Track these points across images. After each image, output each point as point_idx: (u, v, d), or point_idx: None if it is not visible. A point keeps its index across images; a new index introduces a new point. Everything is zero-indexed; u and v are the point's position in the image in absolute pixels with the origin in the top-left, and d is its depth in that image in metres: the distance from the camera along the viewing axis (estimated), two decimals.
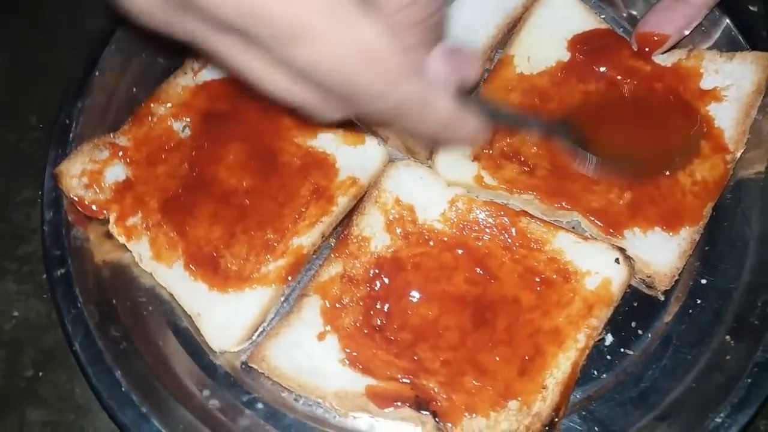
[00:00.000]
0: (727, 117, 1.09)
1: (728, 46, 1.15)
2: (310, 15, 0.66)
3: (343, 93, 0.74)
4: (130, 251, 1.02)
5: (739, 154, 1.07)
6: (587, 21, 1.18)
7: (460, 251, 1.01)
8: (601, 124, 1.04)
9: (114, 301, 1.00)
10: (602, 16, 1.21)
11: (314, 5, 0.66)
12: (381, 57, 0.71)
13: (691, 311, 1.01)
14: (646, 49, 1.12)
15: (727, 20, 1.16)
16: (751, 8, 1.18)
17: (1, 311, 1.09)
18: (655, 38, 1.11)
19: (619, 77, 1.13)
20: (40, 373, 1.05)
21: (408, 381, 0.92)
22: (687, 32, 1.12)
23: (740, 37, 1.15)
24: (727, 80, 1.10)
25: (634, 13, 1.24)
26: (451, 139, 0.93)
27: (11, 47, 1.29)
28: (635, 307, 1.03)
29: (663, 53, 1.13)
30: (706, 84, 1.11)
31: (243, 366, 0.98)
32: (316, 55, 0.69)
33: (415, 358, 0.94)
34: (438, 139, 0.98)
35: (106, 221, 1.03)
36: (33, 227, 1.13)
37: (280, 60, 0.71)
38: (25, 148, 1.21)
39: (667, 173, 1.05)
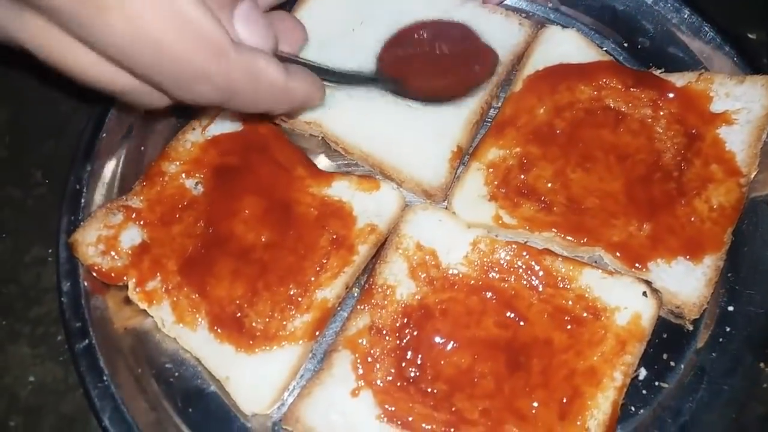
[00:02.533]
0: (738, 140, 1.10)
1: (731, 72, 1.16)
2: None
3: (158, 72, 0.67)
4: (151, 316, 1.00)
5: (752, 176, 1.08)
6: (588, 53, 1.19)
7: (487, 294, 1.00)
8: (410, 69, 1.12)
9: (139, 370, 0.97)
10: (604, 48, 1.23)
11: None
12: (200, 27, 0.64)
13: (721, 339, 1.01)
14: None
15: (729, 47, 1.18)
16: (750, 36, 1.20)
17: (17, 377, 1.05)
18: None
19: (623, 108, 1.13)
20: None
21: None
22: None
23: (742, 64, 1.17)
24: (737, 104, 1.11)
25: (635, 43, 1.25)
26: (287, 106, 0.87)
27: (12, 101, 1.27)
28: (665, 338, 1.02)
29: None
30: (716, 107, 1.12)
31: (276, 428, 0.96)
32: (126, 24, 0.61)
33: (453, 409, 0.92)
34: (274, 109, 0.89)
35: (125, 287, 1.01)
36: (44, 287, 1.11)
37: (87, 35, 0.63)
38: (32, 205, 1.18)
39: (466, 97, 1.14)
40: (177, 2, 0.63)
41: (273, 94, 0.79)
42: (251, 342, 0.97)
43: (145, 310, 1.00)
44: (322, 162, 1.16)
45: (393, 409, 0.92)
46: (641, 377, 0.99)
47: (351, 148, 1.14)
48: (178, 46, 0.66)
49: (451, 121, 1.14)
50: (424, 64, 1.13)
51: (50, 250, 1.13)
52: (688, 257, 1.03)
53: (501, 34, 1.22)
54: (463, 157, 1.14)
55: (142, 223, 1.04)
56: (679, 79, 1.14)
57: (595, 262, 1.05)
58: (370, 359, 0.96)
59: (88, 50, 0.67)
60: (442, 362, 0.95)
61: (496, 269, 1.02)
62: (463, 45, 1.15)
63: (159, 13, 0.63)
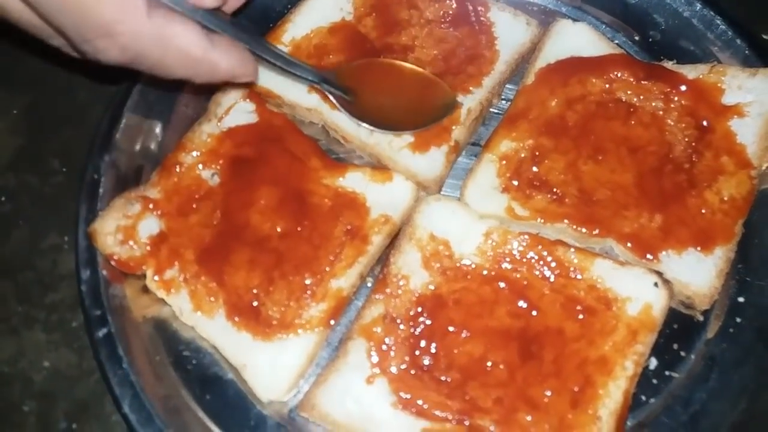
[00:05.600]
0: (749, 133, 1.10)
1: (742, 65, 1.17)
2: None
3: (59, 15, 0.65)
4: (168, 305, 1.01)
5: (764, 168, 1.09)
6: (600, 47, 1.20)
7: (500, 284, 1.01)
8: (368, 80, 1.12)
9: (157, 358, 0.99)
10: (615, 42, 1.23)
11: None
12: None
13: (731, 330, 1.02)
14: None
15: (740, 41, 1.19)
16: (765, 37, 1.20)
17: (31, 362, 1.07)
18: None
19: (635, 101, 1.14)
20: (74, 426, 1.03)
21: (463, 421, 0.92)
22: None
23: (754, 57, 1.18)
24: (749, 96, 1.12)
25: (646, 36, 1.26)
26: (206, 78, 0.83)
27: (31, 88, 1.28)
28: (675, 329, 1.03)
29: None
30: (728, 99, 1.12)
31: (292, 415, 0.97)
32: None
33: (467, 397, 0.94)
34: (191, 78, 0.84)
35: (143, 276, 1.02)
36: (60, 274, 1.12)
37: None
38: (49, 193, 1.20)
39: (422, 128, 1.12)
40: None
41: (186, 63, 0.76)
42: (268, 330, 0.98)
43: (163, 299, 1.01)
44: None
45: (408, 396, 0.94)
46: (652, 367, 1.00)
47: (350, 137, 1.15)
48: (81, 4, 0.64)
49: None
50: (380, 86, 1.13)
51: (66, 238, 1.15)
52: (699, 248, 1.03)
53: (507, 32, 1.22)
54: (461, 151, 1.16)
55: (159, 213, 1.06)
56: (690, 72, 1.15)
57: (607, 252, 1.06)
58: (384, 347, 0.97)
59: None
60: (456, 351, 0.97)
61: (509, 260, 1.03)
62: (422, 81, 1.15)
63: None
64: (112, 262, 1.01)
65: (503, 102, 1.20)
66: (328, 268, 1.03)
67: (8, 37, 0.83)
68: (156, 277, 1.01)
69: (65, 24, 0.68)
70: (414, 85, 1.14)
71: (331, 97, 1.12)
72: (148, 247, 1.03)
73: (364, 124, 1.12)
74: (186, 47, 0.75)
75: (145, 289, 1.02)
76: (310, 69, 1.07)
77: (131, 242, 1.03)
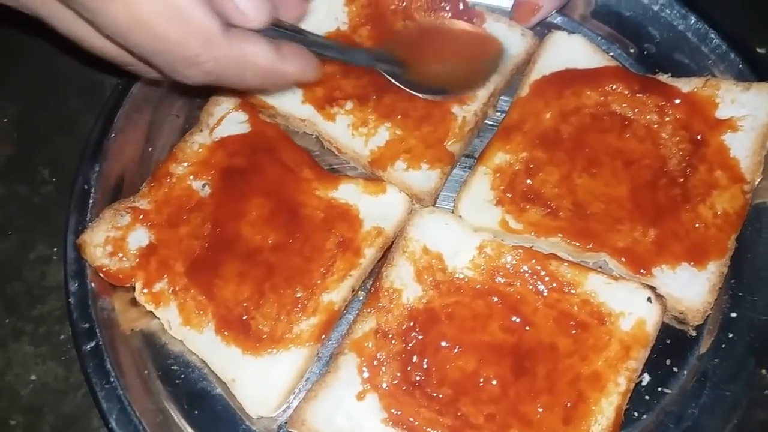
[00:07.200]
0: (742, 147, 1.10)
1: (736, 79, 1.16)
2: None
3: (153, 55, 0.77)
4: (157, 318, 1.00)
5: (757, 183, 1.09)
6: (595, 59, 1.20)
7: (493, 299, 1.00)
8: (418, 48, 1.14)
9: (146, 372, 0.98)
10: (610, 54, 1.23)
11: None
12: (190, 16, 0.73)
13: (724, 345, 1.02)
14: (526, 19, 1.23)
15: (734, 55, 1.19)
16: (759, 50, 1.20)
17: (18, 375, 1.06)
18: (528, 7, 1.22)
19: (629, 113, 1.14)
20: None
21: None
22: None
23: (748, 71, 1.17)
24: (743, 110, 1.11)
25: (641, 48, 1.26)
26: (278, 87, 0.94)
27: (22, 98, 1.27)
28: (668, 344, 1.03)
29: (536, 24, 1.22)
30: (722, 113, 1.12)
31: (281, 430, 0.96)
32: (126, 12, 0.72)
33: (459, 413, 0.93)
34: (265, 88, 0.98)
35: (132, 289, 1.01)
36: (49, 286, 1.11)
37: (93, 18, 0.75)
38: (38, 203, 1.19)
39: (478, 88, 1.16)
40: None
41: (262, 77, 0.85)
42: (258, 344, 0.97)
43: (151, 312, 1.00)
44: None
45: (398, 413, 0.93)
46: (644, 383, 1.00)
47: (344, 147, 1.14)
48: (170, 34, 0.74)
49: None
50: (431, 51, 1.14)
51: (55, 249, 1.14)
52: (692, 263, 1.03)
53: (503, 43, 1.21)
54: (456, 163, 1.15)
55: (149, 224, 1.05)
56: (685, 85, 1.15)
57: (600, 267, 1.05)
58: (375, 363, 0.96)
59: (93, 30, 0.79)
60: (448, 366, 0.96)
61: (502, 273, 1.02)
62: (470, 38, 1.17)
63: (155, 3, 0.72)
64: (101, 274, 1.00)
65: (498, 114, 1.20)
66: (319, 282, 1.02)
67: None
68: (145, 290, 1.00)
69: (157, 62, 0.79)
70: (464, 44, 1.17)
71: (384, 74, 1.11)
72: (138, 259, 1.02)
73: (420, 94, 1.12)
74: (262, 63, 0.83)
75: (134, 302, 1.01)
76: (363, 52, 1.13)
77: (120, 254, 1.02)
